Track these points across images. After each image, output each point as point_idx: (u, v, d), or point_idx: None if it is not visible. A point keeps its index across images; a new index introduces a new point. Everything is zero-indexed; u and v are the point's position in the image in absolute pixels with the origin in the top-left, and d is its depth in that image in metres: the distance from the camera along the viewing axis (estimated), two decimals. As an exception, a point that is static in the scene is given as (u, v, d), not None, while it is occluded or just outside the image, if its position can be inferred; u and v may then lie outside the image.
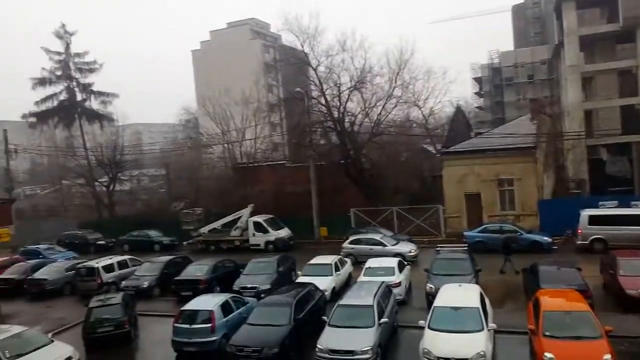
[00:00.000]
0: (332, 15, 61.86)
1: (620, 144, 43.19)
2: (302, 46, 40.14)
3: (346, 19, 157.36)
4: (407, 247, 28.14)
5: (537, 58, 69.67)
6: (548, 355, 12.50)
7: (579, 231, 26.57)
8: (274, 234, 34.20)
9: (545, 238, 27.68)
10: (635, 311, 15.66)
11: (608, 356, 12.23)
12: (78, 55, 50.28)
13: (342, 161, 39.03)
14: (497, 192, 32.92)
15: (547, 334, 13.26)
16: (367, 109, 40.94)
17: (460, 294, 15.86)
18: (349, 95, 39.99)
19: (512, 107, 70.47)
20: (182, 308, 17.49)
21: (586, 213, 26.65)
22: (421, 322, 14.78)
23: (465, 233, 29.76)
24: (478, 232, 29.09)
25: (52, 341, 16.18)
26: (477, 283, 18.68)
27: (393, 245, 28.06)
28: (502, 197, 32.93)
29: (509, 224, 29.18)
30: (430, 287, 18.93)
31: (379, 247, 27.46)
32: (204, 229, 36.55)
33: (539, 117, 40.09)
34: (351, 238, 29.59)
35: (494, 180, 32.76)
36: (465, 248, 27.39)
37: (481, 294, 15.89)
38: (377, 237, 28.90)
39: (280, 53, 70.45)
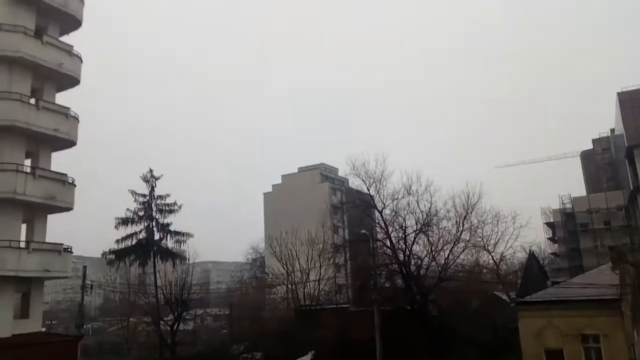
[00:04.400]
0: (398, 160, 63.94)
1: None
2: (369, 190, 41.35)
3: (412, 159, 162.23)
4: None
5: (612, 204, 67.13)
6: None
7: None
8: (335, 384, 32.15)
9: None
10: None
11: None
12: (160, 197, 54.09)
13: (408, 307, 37.49)
14: (581, 349, 29.73)
15: None
16: (433, 253, 40.21)
17: None
18: (414, 238, 39.73)
19: (589, 254, 66.64)
20: None
21: None
22: None
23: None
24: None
25: None
26: None
27: None
28: (587, 355, 29.60)
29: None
30: None
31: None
32: (263, 376, 35.08)
33: (622, 266, 37.40)
34: None
35: (577, 336, 29.79)
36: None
37: None
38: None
39: (347, 195, 72.46)
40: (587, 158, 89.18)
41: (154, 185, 53.97)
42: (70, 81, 28.09)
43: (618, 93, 48.72)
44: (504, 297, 46.22)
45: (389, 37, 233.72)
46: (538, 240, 75.93)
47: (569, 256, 72.62)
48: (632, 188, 48.06)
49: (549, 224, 77.75)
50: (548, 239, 79.74)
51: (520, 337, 31.73)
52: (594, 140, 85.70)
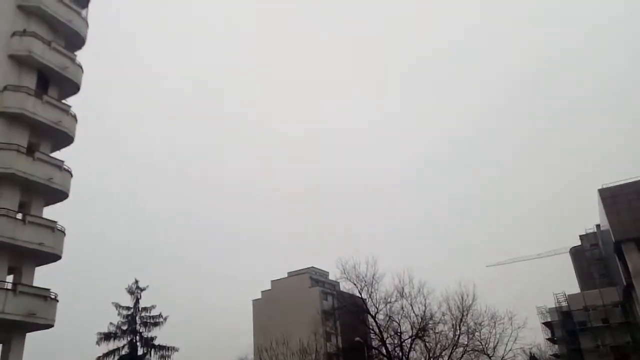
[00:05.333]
0: (389, 261, 63.29)
1: None
2: (360, 293, 40.66)
3: (403, 260, 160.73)
4: None
5: (607, 300, 66.10)
6: None
7: None
8: None
9: None
10: None
11: None
12: (145, 309, 52.34)
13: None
14: None
15: None
16: (432, 359, 38.61)
17: None
18: (411, 344, 38.43)
19: (591, 355, 64.39)
20: None
21: None
22: None
23: None
24: None
25: None
26: None
27: None
28: None
29: None
30: None
31: None
32: None
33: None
34: None
35: None
36: None
37: None
38: None
39: (339, 300, 70.65)
40: (577, 254, 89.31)
41: (139, 297, 52.50)
42: (60, 194, 28.29)
43: (599, 190, 49.97)
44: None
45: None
46: (537, 342, 73.68)
47: (570, 357, 70.07)
48: (625, 284, 47.73)
49: (546, 324, 75.87)
50: (547, 339, 77.39)
51: None
52: (581, 237, 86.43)
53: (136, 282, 52.77)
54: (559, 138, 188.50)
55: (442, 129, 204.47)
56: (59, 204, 28.97)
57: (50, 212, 28.52)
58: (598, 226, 74.94)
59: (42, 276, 27.18)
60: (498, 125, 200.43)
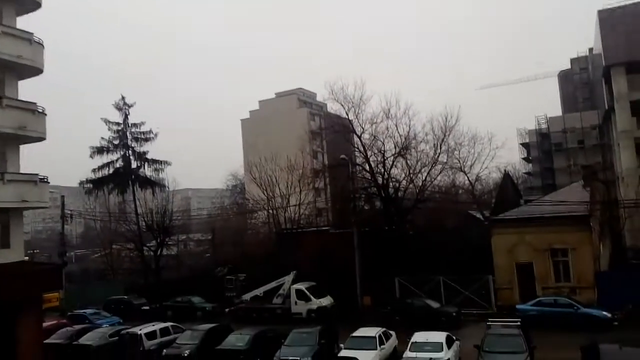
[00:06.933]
0: (377, 84, 62.93)
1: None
2: (347, 114, 41.12)
3: (391, 84, 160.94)
4: None
5: (586, 123, 68.11)
6: None
7: None
8: (316, 303, 33.55)
9: (605, 313, 25.89)
10: None
11: None
12: (135, 125, 53.12)
13: (387, 228, 38.55)
14: (550, 262, 31.36)
15: None
16: (411, 175, 40.85)
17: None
18: (393, 162, 40.17)
19: (562, 173, 68.46)
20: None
21: None
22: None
23: (517, 306, 28.25)
24: (531, 305, 27.56)
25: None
26: (531, 362, 17.45)
27: None
28: (556, 268, 31.29)
29: (565, 298, 27.59)
30: (481, 366, 17.80)
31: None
32: (247, 296, 36.33)
33: (592, 184, 38.72)
34: None
35: (547, 250, 31.32)
36: (519, 323, 25.95)
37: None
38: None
39: (326, 121, 72.02)
40: (565, 78, 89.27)
41: (127, 113, 52.87)
42: (32, 3, 26.54)
43: (598, 11, 47.80)
44: (479, 216, 47.76)
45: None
46: (513, 161, 77.73)
47: (543, 175, 74.58)
48: (607, 107, 48.67)
49: (524, 145, 79.05)
50: (523, 159, 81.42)
51: (493, 253, 33.21)
52: (572, 60, 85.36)
53: (123, 98, 52.71)
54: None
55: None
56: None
57: (24, 23, 27.01)
58: (591, 50, 73.63)
59: (30, 95, 26.81)
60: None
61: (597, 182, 40.32)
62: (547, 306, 26.92)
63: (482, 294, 32.52)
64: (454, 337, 21.87)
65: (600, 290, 29.22)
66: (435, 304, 30.39)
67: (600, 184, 41.18)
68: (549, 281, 31.08)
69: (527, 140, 77.57)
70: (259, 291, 36.19)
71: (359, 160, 42.00)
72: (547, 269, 31.32)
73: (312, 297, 33.78)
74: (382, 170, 39.83)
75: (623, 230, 39.52)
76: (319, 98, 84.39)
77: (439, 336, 20.85)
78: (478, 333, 22.37)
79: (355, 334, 22.55)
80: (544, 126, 74.96)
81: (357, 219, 37.23)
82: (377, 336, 21.88)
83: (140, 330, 25.88)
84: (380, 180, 39.40)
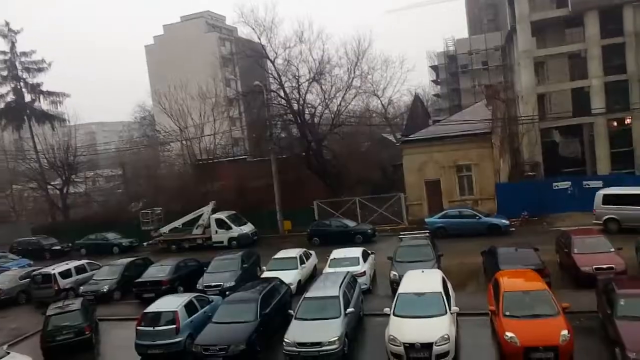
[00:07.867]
0: (288, 7, 60.45)
1: (572, 126, 44.66)
2: (259, 39, 39.72)
3: (303, 8, 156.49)
4: None
5: (491, 45, 71.00)
6: (509, 334, 12.82)
7: (594, 211, 25.53)
8: (237, 230, 33.80)
9: (503, 221, 28.42)
10: (589, 287, 16.22)
11: (565, 332, 12.64)
12: (24, 54, 48.26)
13: (304, 154, 38.92)
14: (455, 178, 33.51)
15: (507, 313, 13.60)
16: (326, 101, 40.91)
17: (423, 280, 16.08)
18: (308, 87, 39.85)
19: (468, 94, 71.80)
20: (145, 310, 17.09)
21: (601, 192, 25.56)
22: (386, 310, 14.92)
23: (426, 220, 30.23)
24: (438, 218, 29.59)
25: (8, 353, 15.56)
26: (439, 268, 18.97)
27: None
28: (460, 183, 33.56)
29: (468, 209, 29.83)
30: (394, 275, 19.08)
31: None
32: (165, 229, 35.81)
33: (494, 103, 41.00)
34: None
35: (453, 167, 33.34)
36: (427, 234, 27.98)
37: (443, 279, 16.17)
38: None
39: (237, 46, 69.30)
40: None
41: (14, 40, 47.71)
42: None
43: None
44: (391, 138, 49.51)
45: None
46: (423, 84, 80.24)
47: (450, 96, 77.91)
48: (509, 28, 50.69)
49: (433, 67, 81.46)
50: (432, 81, 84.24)
51: (404, 172, 34.90)
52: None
53: (7, 24, 47.38)
54: None
55: None
56: None
57: None
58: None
59: None
60: None
61: (498, 101, 42.69)
62: (452, 217, 29.00)
63: (395, 210, 34.35)
64: (370, 252, 23.18)
65: (499, 200, 31.87)
66: (352, 223, 31.71)
67: (501, 102, 43.66)
68: (454, 195, 33.34)
69: (436, 63, 79.89)
70: (178, 223, 35.75)
71: (274, 86, 41.23)
72: (453, 183, 33.48)
73: (232, 225, 33.93)
74: (297, 96, 39.49)
75: (521, 146, 42.73)
76: (228, 22, 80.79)
77: (356, 251, 22.01)
78: (392, 246, 23.88)
79: (277, 256, 23.19)
80: (451, 48, 77.24)
81: (274, 147, 37.19)
82: (297, 256, 22.66)
83: (54, 269, 24.93)
84: (295, 106, 39.14)
